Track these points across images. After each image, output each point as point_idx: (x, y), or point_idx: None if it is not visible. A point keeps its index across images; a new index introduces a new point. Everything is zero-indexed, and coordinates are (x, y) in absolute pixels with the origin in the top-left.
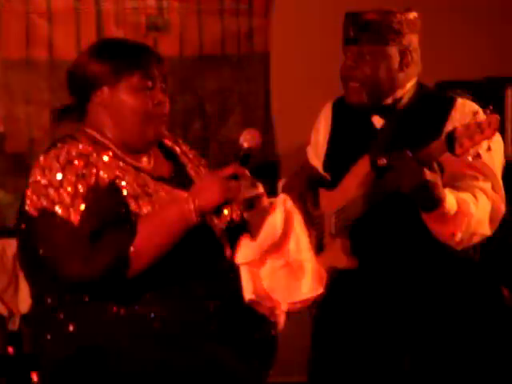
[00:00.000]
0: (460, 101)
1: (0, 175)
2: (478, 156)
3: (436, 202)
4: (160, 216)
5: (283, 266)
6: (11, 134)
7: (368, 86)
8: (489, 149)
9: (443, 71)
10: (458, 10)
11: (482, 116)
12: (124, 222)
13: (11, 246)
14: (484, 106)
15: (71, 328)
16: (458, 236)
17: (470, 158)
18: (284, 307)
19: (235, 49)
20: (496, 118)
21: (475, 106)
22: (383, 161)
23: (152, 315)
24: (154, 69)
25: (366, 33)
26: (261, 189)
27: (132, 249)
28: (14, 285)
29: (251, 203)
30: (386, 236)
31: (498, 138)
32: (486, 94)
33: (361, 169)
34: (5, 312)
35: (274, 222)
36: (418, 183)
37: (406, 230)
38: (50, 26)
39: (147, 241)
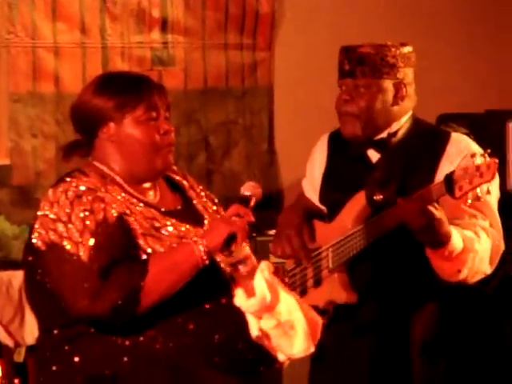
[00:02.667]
0: (455, 136)
1: (6, 207)
2: (477, 199)
3: (443, 240)
4: (171, 257)
5: (276, 326)
6: (17, 167)
7: (363, 118)
8: (488, 192)
9: (445, 104)
10: (458, 44)
11: (479, 158)
12: (133, 258)
13: (17, 277)
14: (483, 141)
15: (76, 359)
16: (464, 273)
17: (469, 201)
18: (281, 358)
19: (239, 82)
20: (494, 161)
21: (471, 145)
22: (379, 197)
23: (157, 346)
24: (156, 99)
25: (361, 66)
26: (248, 251)
27: (142, 287)
28: (20, 316)
29: (238, 265)
30: (386, 270)
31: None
32: (487, 127)
33: (357, 203)
34: (11, 343)
35: (262, 289)
36: (428, 222)
37: (405, 264)
38: (57, 60)
39: (157, 280)
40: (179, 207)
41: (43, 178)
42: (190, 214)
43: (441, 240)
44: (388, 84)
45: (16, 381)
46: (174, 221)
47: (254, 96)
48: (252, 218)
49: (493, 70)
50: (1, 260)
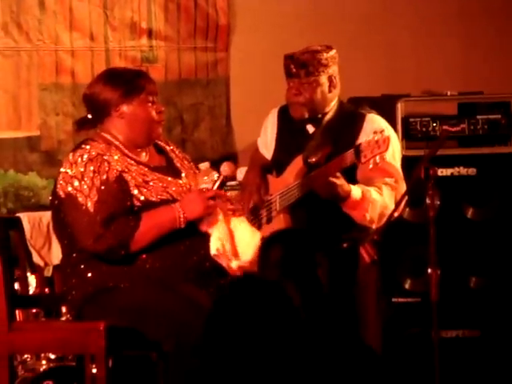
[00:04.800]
0: (369, 116)
1: (37, 166)
2: (375, 164)
3: (344, 197)
4: (157, 218)
5: (225, 234)
6: (45, 137)
7: (308, 106)
8: (383, 159)
9: (354, 89)
10: (363, 44)
11: (378, 135)
12: (129, 208)
13: (46, 216)
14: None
15: (89, 275)
16: (367, 217)
17: (370, 166)
18: (234, 265)
19: (205, 75)
20: (388, 137)
21: (381, 123)
22: (312, 159)
23: (147, 266)
24: (152, 87)
25: (304, 69)
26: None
27: (132, 238)
28: (48, 244)
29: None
30: (317, 214)
31: (395, 141)
32: (383, 107)
33: (297, 163)
34: (42, 263)
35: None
36: (331, 189)
37: (330, 209)
38: (73, 60)
39: (145, 234)
40: (163, 165)
41: (63, 145)
42: (171, 170)
43: (342, 197)
44: (323, 79)
45: (46, 289)
46: (159, 175)
47: (215, 85)
48: (224, 197)
49: (386, 63)
50: (34, 204)
